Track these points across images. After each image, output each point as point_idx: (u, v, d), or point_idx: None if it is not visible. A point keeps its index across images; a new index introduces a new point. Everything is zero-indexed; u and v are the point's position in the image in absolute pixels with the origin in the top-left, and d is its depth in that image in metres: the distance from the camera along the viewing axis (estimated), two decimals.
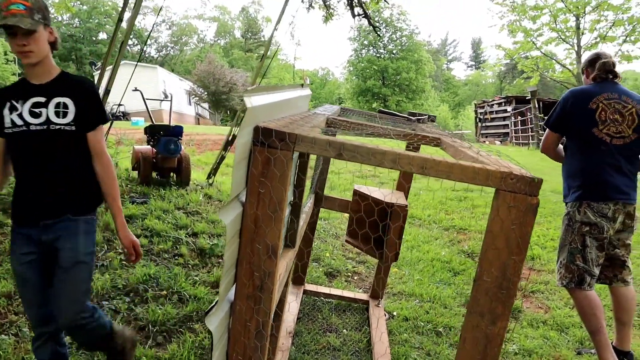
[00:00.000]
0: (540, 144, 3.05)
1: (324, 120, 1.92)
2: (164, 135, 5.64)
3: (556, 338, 3.39)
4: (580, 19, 17.58)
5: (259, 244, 1.21)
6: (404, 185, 3.47)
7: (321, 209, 3.64)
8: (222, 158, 6.24)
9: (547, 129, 2.99)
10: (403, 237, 3.32)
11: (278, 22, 5.28)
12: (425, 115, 3.23)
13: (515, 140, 19.93)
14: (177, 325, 3.10)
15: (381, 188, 3.25)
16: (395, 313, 3.65)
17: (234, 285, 1.27)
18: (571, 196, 2.83)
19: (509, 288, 1.20)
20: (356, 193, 3.36)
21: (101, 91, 5.00)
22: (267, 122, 1.24)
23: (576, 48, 17.47)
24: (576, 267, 2.78)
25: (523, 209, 1.15)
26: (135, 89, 5.62)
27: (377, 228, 3.26)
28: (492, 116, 22.85)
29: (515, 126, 20.27)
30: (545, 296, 4.12)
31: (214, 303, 1.15)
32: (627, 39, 16.53)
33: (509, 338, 3.39)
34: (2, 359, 2.54)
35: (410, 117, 3.21)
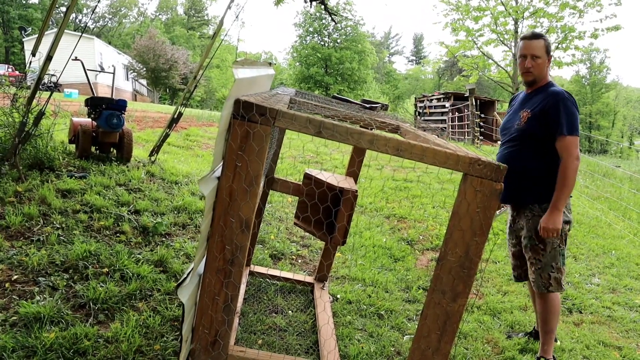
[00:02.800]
0: (574, 155, 2.66)
1: (288, 101, 1.93)
2: (106, 109, 5.41)
3: (489, 322, 3.59)
4: (518, 23, 18.39)
5: (233, 218, 1.22)
6: (355, 172, 3.54)
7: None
8: (167, 136, 6.08)
9: (576, 137, 2.69)
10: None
11: (232, 1, 5.18)
12: (379, 103, 3.30)
13: (452, 135, 20.64)
14: (120, 304, 3.02)
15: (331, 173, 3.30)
16: (339, 296, 3.73)
17: (204, 259, 1.27)
18: (551, 197, 2.76)
19: (470, 267, 1.27)
20: (309, 177, 3.39)
21: (41, 58, 4.73)
22: (247, 97, 1.24)
23: (513, 50, 18.28)
24: (564, 266, 2.85)
25: (488, 194, 1.22)
26: (76, 59, 5.34)
27: (329, 213, 3.31)
28: (431, 111, 23.53)
29: (452, 122, 20.99)
30: (479, 283, 4.34)
31: (185, 274, 1.15)
32: (559, 46, 17.48)
33: None
34: None
35: (364, 104, 3.27)
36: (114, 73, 6.01)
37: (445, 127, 21.38)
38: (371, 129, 2.64)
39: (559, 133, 2.68)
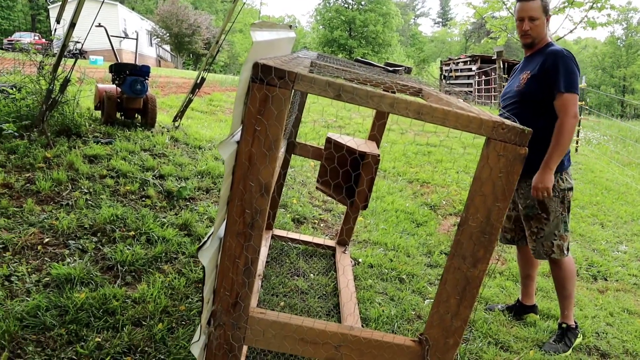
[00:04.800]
0: (571, 113, 2.57)
1: (309, 64, 1.90)
2: (130, 75, 5.43)
3: (511, 288, 3.58)
4: None
5: (252, 182, 1.22)
6: (376, 136, 3.50)
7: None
8: (190, 101, 6.09)
9: (575, 95, 2.59)
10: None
11: None
12: (402, 66, 3.23)
13: (478, 99, 20.23)
14: (146, 266, 3.10)
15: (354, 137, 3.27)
16: (360, 260, 3.76)
17: (224, 222, 1.28)
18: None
19: (492, 233, 1.25)
20: (329, 141, 3.37)
21: (65, 25, 4.74)
22: (265, 60, 1.22)
23: None
24: (568, 233, 2.78)
25: (511, 158, 1.20)
26: (100, 25, 5.34)
27: (349, 177, 3.31)
28: (457, 74, 23.03)
29: (479, 85, 20.54)
30: (502, 248, 4.32)
31: (206, 237, 1.16)
32: (594, 5, 16.74)
33: None
34: None
35: (387, 67, 3.21)
36: (137, 39, 6.01)
37: (471, 91, 20.96)
38: (392, 92, 2.59)
39: (556, 90, 2.58)
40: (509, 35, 18.56)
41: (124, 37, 6.73)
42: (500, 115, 2.93)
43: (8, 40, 28.48)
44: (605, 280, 3.90)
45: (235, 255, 1.28)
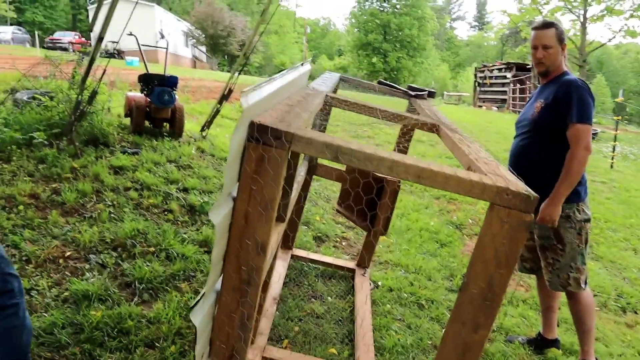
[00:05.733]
0: (582, 144, 2.52)
1: (321, 102, 1.88)
2: (158, 85, 5.52)
3: (533, 318, 3.47)
4: None
5: (249, 240, 1.21)
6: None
7: None
8: (217, 111, 6.15)
9: (588, 126, 2.53)
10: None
11: None
12: (426, 90, 3.17)
13: (512, 107, 19.82)
14: (164, 284, 3.13)
15: None
16: (380, 283, 3.71)
17: (221, 276, 1.27)
18: (572, 198, 2.64)
19: (494, 300, 1.21)
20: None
21: (98, 28, 4.83)
22: (262, 116, 1.21)
23: (581, 19, 17.12)
24: (585, 266, 2.71)
25: (516, 225, 1.15)
26: (130, 34, 5.45)
27: (371, 203, 3.27)
28: (492, 81, 22.62)
29: (513, 93, 20.12)
30: (528, 275, 4.19)
31: (199, 297, 1.15)
32: (634, 13, 16.18)
33: None
34: None
35: (410, 91, 3.15)
36: (167, 48, 6.10)
37: (505, 99, 20.55)
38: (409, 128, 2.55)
39: (569, 120, 2.53)
40: None
41: (154, 47, 6.84)
42: (513, 144, 2.87)
43: (50, 39, 29.47)
44: (636, 313, 3.74)
45: (231, 310, 1.27)
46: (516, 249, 1.17)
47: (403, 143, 3.49)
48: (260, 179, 1.16)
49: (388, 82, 3.27)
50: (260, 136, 1.13)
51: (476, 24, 66.86)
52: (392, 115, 2.01)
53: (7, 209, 3.58)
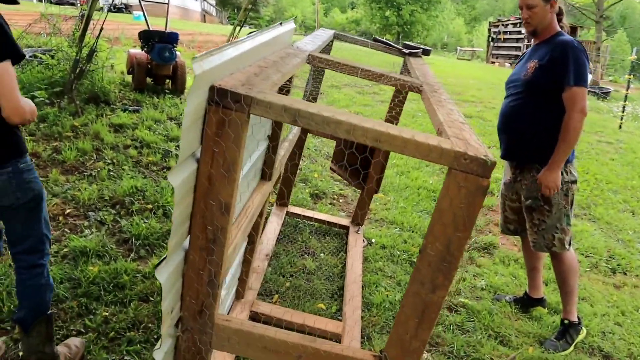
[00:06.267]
0: (579, 107, 2.48)
1: (300, 62, 1.86)
2: (158, 42, 5.48)
3: (523, 277, 3.52)
4: None
5: (213, 201, 1.24)
6: (394, 118, 3.44)
7: None
8: None
9: (584, 88, 2.50)
10: (388, 163, 3.35)
11: None
12: (420, 48, 3.12)
13: None
14: (160, 240, 3.21)
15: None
16: (373, 240, 3.77)
17: (189, 236, 1.31)
18: None
19: (451, 261, 1.23)
20: None
21: None
22: (226, 79, 1.22)
23: None
24: (570, 227, 2.73)
25: (473, 190, 1.16)
26: None
27: (366, 163, 3.29)
28: (506, 37, 22.04)
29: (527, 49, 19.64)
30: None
31: (162, 258, 1.20)
32: None
33: (479, 273, 3.53)
34: None
35: (404, 48, 3.11)
36: (168, 3, 6.01)
37: (518, 55, 20.04)
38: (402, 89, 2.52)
39: (565, 83, 2.48)
40: None
41: (156, 1, 6.74)
42: (503, 105, 2.83)
43: None
44: (625, 274, 3.77)
45: (199, 268, 1.32)
46: (474, 212, 1.19)
47: (397, 101, 3.48)
48: (222, 142, 1.18)
49: (383, 40, 3.22)
50: (220, 100, 1.14)
51: None
52: (373, 74, 2.00)
53: None
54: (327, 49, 3.21)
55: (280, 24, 1.85)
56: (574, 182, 2.68)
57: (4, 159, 1.81)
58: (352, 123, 1.15)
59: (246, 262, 2.62)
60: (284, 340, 1.39)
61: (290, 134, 3.06)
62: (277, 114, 1.16)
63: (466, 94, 10.11)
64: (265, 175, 2.33)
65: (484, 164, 1.15)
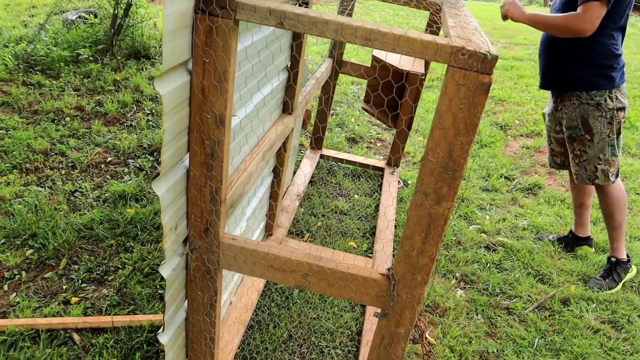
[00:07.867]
0: (582, 20, 2.24)
1: None
2: None
3: (569, 217, 3.37)
4: None
5: (207, 114, 1.22)
6: None
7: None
8: None
9: (594, 2, 2.25)
10: (419, 103, 3.24)
11: None
12: None
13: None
14: None
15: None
16: (410, 182, 3.70)
17: (188, 153, 1.31)
18: (603, 84, 2.44)
19: (455, 169, 1.17)
20: (375, 59, 3.23)
21: None
22: None
23: None
24: (617, 158, 2.55)
25: (473, 88, 1.09)
26: None
27: (392, 96, 3.19)
28: None
29: None
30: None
31: (159, 169, 1.20)
32: None
33: (521, 214, 3.41)
34: (37, 209, 2.80)
35: None
36: None
37: None
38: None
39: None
40: None
41: None
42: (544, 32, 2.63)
43: None
44: None
45: (201, 185, 1.32)
46: (475, 114, 1.11)
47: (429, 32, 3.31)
48: (212, 51, 1.15)
49: None
50: (206, 7, 1.11)
51: None
52: None
53: (55, 121, 3.79)
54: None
55: None
56: (622, 109, 2.47)
57: None
58: (339, 22, 1.09)
59: (273, 197, 2.62)
60: (288, 258, 1.39)
61: (318, 71, 3.00)
62: (262, 17, 1.11)
63: (518, 37, 9.58)
64: (287, 107, 2.30)
65: (484, 58, 1.06)
